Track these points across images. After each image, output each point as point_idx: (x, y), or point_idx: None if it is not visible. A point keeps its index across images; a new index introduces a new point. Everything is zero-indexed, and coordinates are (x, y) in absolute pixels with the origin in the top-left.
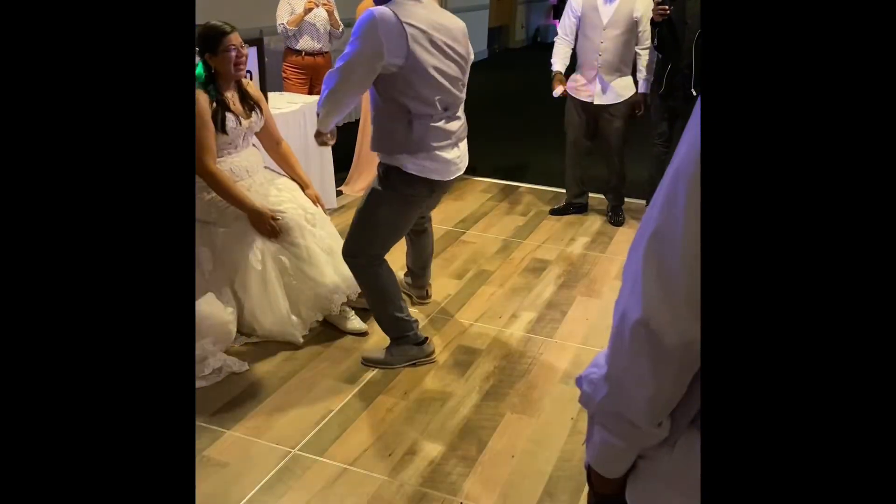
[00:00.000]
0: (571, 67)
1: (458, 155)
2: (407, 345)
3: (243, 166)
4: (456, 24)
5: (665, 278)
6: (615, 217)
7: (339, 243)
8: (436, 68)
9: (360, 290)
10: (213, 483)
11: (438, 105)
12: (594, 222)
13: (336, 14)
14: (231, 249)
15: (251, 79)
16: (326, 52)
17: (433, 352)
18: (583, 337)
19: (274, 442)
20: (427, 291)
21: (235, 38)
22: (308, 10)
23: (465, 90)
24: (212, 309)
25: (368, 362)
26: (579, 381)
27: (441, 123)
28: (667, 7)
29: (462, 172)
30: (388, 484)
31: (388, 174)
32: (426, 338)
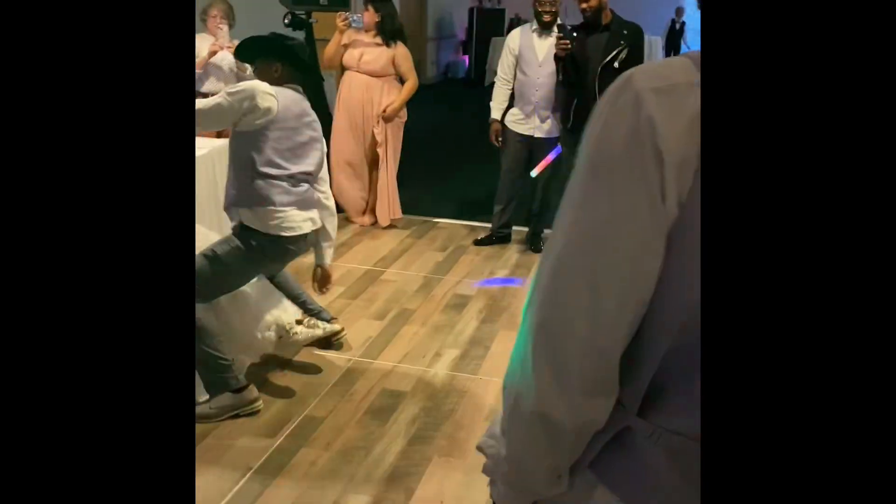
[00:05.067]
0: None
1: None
2: (225, 393)
3: None
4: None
5: (558, 372)
6: (536, 244)
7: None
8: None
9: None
10: None
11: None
12: (512, 255)
13: None
14: None
15: None
16: None
17: (256, 399)
18: None
19: None
20: (324, 314)
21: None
22: (213, 53)
23: None
24: None
25: None
26: (480, 450)
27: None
28: (568, 42)
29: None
30: None
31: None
32: (246, 385)
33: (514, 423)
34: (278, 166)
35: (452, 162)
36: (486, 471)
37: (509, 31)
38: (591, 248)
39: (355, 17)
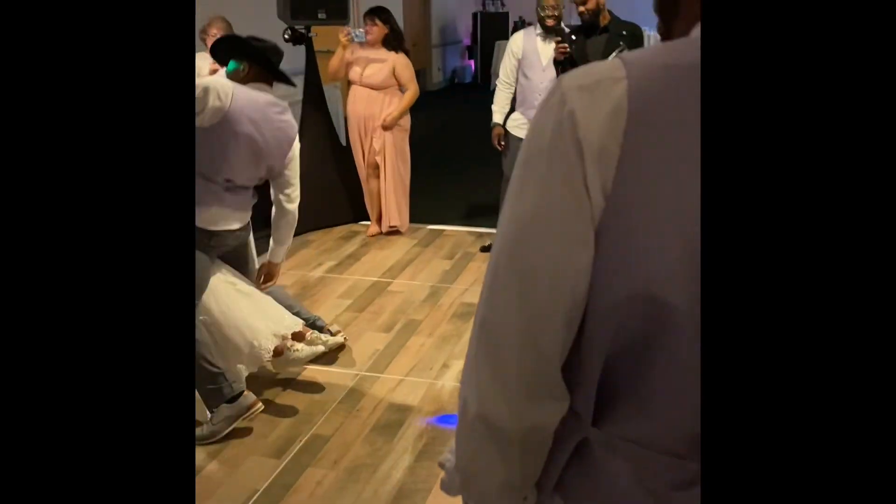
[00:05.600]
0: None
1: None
2: (221, 406)
3: None
4: None
5: (497, 370)
6: None
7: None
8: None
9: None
10: None
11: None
12: None
13: None
14: None
15: None
16: None
17: (254, 402)
18: None
19: None
20: (325, 327)
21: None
22: (214, 71)
23: None
24: None
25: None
26: (440, 466)
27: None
28: (566, 46)
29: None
30: None
31: None
32: (240, 392)
33: (462, 430)
34: (211, 170)
35: (458, 168)
36: (443, 486)
37: (514, 34)
38: (521, 240)
39: (357, 33)
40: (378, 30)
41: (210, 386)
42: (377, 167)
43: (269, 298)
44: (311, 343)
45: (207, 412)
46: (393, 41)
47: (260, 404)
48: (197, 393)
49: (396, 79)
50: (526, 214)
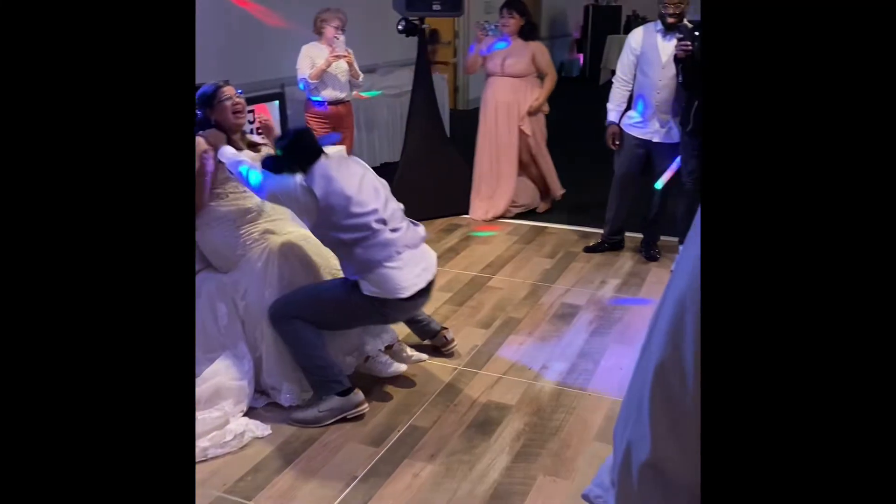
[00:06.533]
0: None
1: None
2: (331, 396)
3: (266, 205)
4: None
5: (673, 414)
6: (649, 252)
7: None
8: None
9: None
10: None
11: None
12: (625, 262)
13: (355, 64)
14: (250, 301)
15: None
16: (347, 101)
17: (362, 402)
18: (618, 388)
19: None
20: (445, 336)
21: (229, 90)
22: (329, 64)
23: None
24: (228, 368)
25: (296, 422)
26: (586, 499)
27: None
28: (689, 43)
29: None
30: None
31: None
32: (351, 387)
33: (624, 475)
34: (366, 222)
35: (563, 164)
36: None
37: (626, 28)
38: None
39: (493, 27)
40: (515, 21)
41: (321, 377)
42: (529, 150)
43: None
44: (395, 357)
45: (307, 389)
46: (529, 31)
47: (366, 405)
48: (304, 374)
49: (535, 66)
50: None
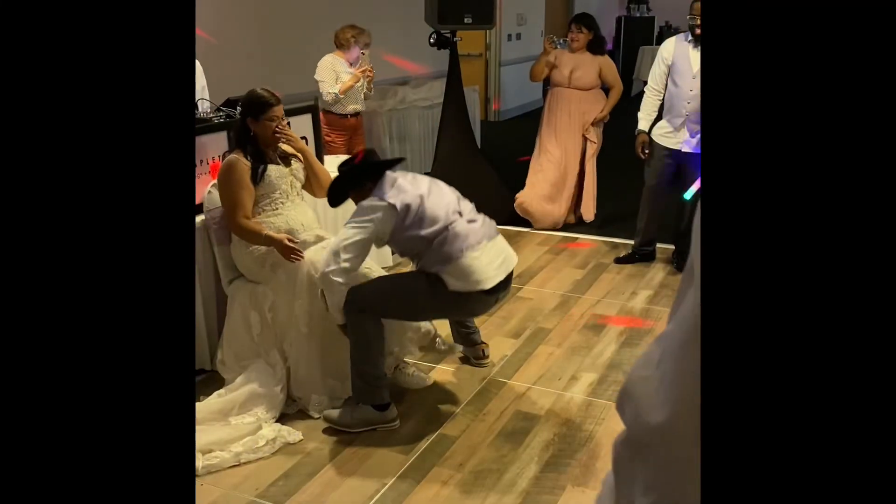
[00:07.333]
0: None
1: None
2: (367, 406)
3: (299, 220)
4: None
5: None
6: (681, 263)
7: None
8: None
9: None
10: None
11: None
12: (656, 273)
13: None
14: (279, 311)
15: (307, 143)
16: (360, 113)
17: (395, 417)
18: None
19: None
20: (482, 351)
21: (279, 111)
22: (357, 80)
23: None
24: (261, 375)
25: (328, 420)
26: None
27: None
28: None
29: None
30: None
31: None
32: (389, 403)
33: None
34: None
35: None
36: None
37: (659, 39)
38: None
39: (561, 41)
40: (584, 36)
41: (369, 388)
42: (583, 160)
43: None
44: (421, 369)
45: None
46: (597, 45)
47: (397, 422)
48: (351, 372)
49: (602, 79)
50: None
